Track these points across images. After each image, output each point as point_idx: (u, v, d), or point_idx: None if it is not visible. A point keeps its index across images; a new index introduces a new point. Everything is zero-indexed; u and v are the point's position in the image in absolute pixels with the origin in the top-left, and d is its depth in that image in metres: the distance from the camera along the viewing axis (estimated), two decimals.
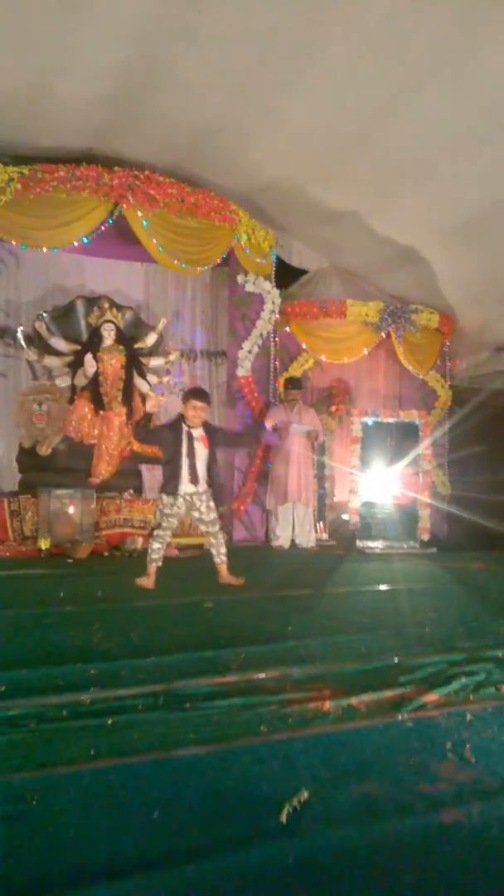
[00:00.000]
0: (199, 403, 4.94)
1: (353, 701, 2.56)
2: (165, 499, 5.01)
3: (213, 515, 5.12)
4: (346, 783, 1.89)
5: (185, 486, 4.94)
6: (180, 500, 4.98)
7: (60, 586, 5.08)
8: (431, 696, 2.62)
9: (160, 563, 5.06)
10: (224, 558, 5.20)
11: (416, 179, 7.10)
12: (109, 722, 2.32)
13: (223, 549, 5.20)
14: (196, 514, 5.08)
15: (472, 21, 5.17)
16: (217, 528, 5.16)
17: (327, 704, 2.51)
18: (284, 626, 3.83)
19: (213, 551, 5.20)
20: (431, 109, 6.11)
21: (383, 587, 5.34)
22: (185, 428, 4.95)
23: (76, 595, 4.77)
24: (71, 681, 2.76)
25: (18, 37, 5.58)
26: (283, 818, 1.68)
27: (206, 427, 5.04)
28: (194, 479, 4.95)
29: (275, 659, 3.12)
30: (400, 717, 2.40)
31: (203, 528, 5.14)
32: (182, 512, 5.09)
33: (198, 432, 4.96)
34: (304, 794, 1.78)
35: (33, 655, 3.14)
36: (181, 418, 5.01)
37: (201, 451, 4.97)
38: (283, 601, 4.66)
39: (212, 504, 5.10)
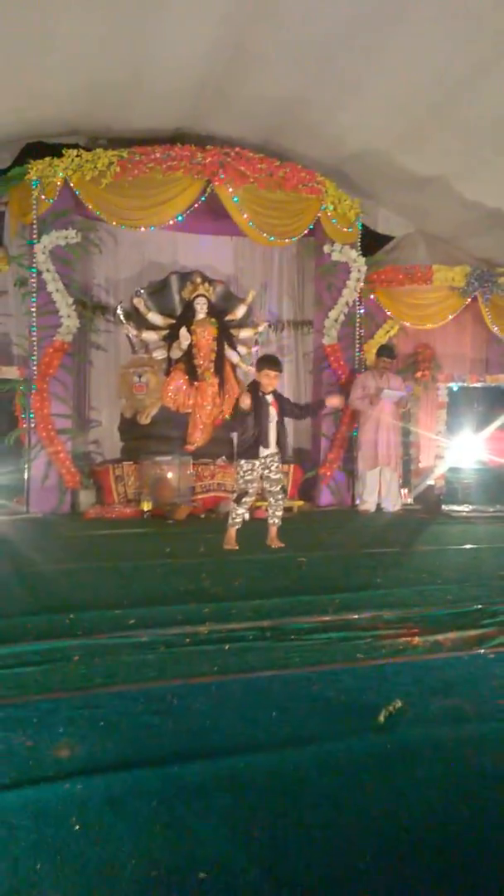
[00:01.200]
0: (272, 372, 5.22)
1: (440, 637, 2.85)
2: (245, 464, 5.26)
3: (279, 476, 5.45)
4: (434, 697, 2.20)
5: (264, 450, 5.26)
6: (258, 462, 5.27)
7: (166, 543, 5.56)
8: None
9: (240, 526, 5.39)
10: (278, 521, 5.44)
11: None
12: (227, 648, 2.71)
13: (279, 513, 5.45)
14: (266, 472, 5.32)
15: None
16: (279, 488, 5.44)
17: (416, 639, 2.81)
18: (374, 577, 4.14)
19: (270, 511, 5.46)
20: None
21: (469, 546, 5.54)
22: (260, 395, 5.24)
23: (181, 550, 5.22)
24: (188, 617, 3.16)
25: (114, 27, 5.90)
26: (382, 719, 2.01)
27: (276, 394, 5.35)
28: (270, 443, 5.27)
29: (367, 603, 3.44)
30: (482, 651, 2.68)
31: (268, 486, 5.37)
32: (258, 474, 5.34)
33: (270, 398, 5.28)
34: (398, 703, 2.10)
35: (153, 597, 3.57)
36: (256, 385, 5.29)
37: (273, 416, 5.29)
38: (372, 557, 4.95)
39: (280, 465, 5.43)
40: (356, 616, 3.20)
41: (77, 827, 1.47)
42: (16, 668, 2.45)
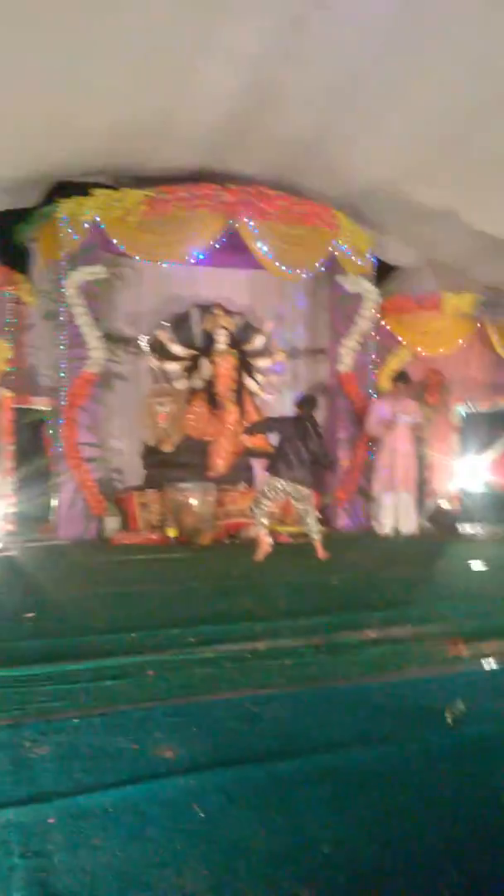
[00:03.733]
0: None
1: (485, 647, 3.05)
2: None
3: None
4: (494, 699, 2.39)
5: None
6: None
7: (198, 567, 5.75)
8: None
9: None
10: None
11: None
12: (287, 662, 2.90)
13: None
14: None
15: None
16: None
17: (464, 650, 3.01)
18: (407, 595, 4.32)
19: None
20: None
21: (489, 565, 5.71)
22: None
23: (215, 573, 5.42)
24: (243, 634, 3.35)
25: (149, 71, 6.20)
26: (449, 719, 2.20)
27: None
28: None
29: (408, 619, 3.63)
30: None
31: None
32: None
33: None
34: (461, 705, 2.29)
35: (204, 616, 3.76)
36: None
37: None
38: (400, 576, 5.14)
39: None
40: (401, 631, 3.40)
41: (202, 814, 1.67)
42: (98, 682, 2.64)
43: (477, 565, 5.71)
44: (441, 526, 8.62)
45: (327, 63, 6.17)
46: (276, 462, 6.10)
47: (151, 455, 8.34)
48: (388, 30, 5.81)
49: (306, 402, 6.38)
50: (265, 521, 6.16)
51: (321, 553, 6.08)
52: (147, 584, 4.95)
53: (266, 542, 6.04)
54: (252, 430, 7.32)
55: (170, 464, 8.13)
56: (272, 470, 6.15)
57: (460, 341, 9.36)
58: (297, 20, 5.53)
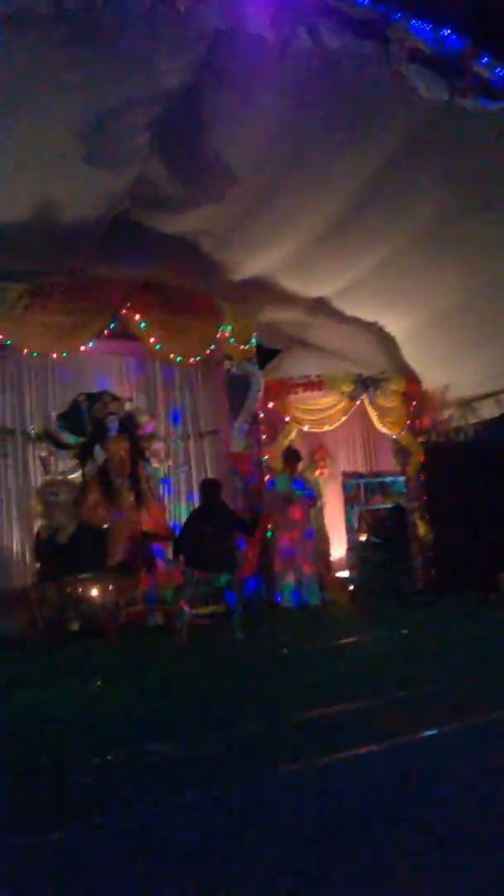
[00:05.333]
0: None
1: None
2: None
3: None
4: None
5: None
6: None
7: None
8: None
9: None
10: None
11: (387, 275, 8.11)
12: None
13: None
14: None
15: None
16: None
17: None
18: None
19: None
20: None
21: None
22: None
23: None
24: None
25: (14, 175, 6.38)
26: None
27: None
28: None
29: None
30: None
31: None
32: None
33: None
34: None
35: None
36: None
37: None
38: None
39: None
40: None
41: None
42: None
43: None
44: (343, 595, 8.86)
45: (200, 164, 6.61)
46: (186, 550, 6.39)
47: (46, 547, 8.07)
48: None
49: (207, 488, 6.72)
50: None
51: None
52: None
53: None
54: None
55: (67, 555, 7.89)
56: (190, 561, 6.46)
57: (342, 418, 9.88)
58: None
